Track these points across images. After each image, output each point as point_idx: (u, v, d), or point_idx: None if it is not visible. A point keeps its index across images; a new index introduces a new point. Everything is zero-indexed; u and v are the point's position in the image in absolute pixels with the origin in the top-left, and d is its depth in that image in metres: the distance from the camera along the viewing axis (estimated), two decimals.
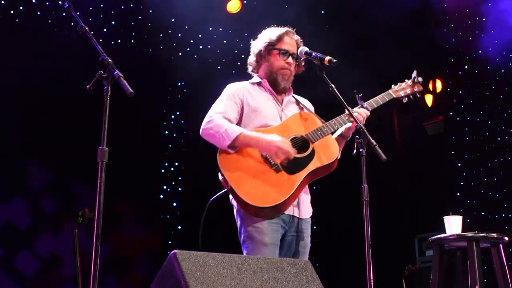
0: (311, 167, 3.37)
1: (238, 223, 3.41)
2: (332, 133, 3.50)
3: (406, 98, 3.80)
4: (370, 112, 3.58)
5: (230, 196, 3.43)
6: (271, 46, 3.59)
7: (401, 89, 3.78)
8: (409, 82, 3.82)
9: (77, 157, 6.52)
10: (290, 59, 3.57)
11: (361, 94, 3.59)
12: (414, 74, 3.83)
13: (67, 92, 6.29)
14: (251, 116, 3.50)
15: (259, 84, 3.62)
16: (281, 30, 3.63)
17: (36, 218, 6.79)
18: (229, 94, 3.54)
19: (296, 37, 3.65)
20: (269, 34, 3.63)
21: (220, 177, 3.40)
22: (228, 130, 3.34)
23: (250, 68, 3.71)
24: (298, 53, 3.55)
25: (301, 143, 3.42)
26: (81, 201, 6.75)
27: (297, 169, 3.35)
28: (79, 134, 6.45)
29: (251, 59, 3.70)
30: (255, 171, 3.32)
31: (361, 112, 3.51)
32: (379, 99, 3.68)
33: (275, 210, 3.30)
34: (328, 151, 3.44)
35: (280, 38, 3.59)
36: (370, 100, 3.64)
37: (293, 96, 3.69)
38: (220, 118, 3.41)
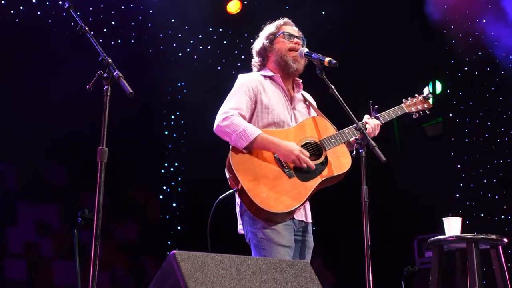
0: (323, 175, 3.34)
1: (248, 224, 3.33)
2: (345, 143, 3.48)
3: (417, 114, 3.86)
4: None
5: (236, 196, 3.39)
6: (272, 36, 3.58)
7: (413, 104, 3.83)
8: (420, 98, 3.87)
9: (76, 157, 6.52)
10: (296, 40, 3.56)
11: (377, 106, 3.60)
12: (426, 90, 3.86)
13: (66, 91, 6.28)
14: (263, 113, 3.44)
15: (271, 78, 3.56)
16: (279, 21, 3.65)
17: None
18: (245, 87, 3.45)
19: (296, 28, 3.65)
20: (268, 28, 3.64)
21: (228, 175, 3.34)
22: (247, 130, 3.27)
23: (255, 70, 3.66)
24: (298, 53, 3.55)
25: (314, 149, 3.40)
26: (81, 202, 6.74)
27: (310, 176, 3.32)
28: (79, 134, 6.45)
29: (255, 59, 3.66)
30: (268, 174, 3.27)
31: (370, 123, 3.52)
32: (391, 112, 3.71)
33: (286, 216, 3.28)
34: (341, 161, 3.41)
35: (279, 27, 3.61)
36: (383, 112, 3.67)
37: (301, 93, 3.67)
38: (236, 116, 3.32)
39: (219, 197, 3.33)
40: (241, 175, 3.24)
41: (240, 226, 3.45)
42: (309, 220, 3.48)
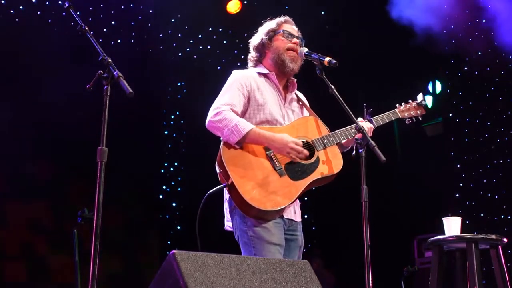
0: (314, 175, 3.34)
1: (238, 221, 3.32)
2: (337, 144, 3.48)
3: (410, 120, 3.87)
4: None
5: (226, 192, 3.37)
6: (272, 33, 3.57)
7: (406, 110, 3.83)
8: (414, 104, 3.87)
9: (76, 157, 6.52)
10: (295, 40, 3.56)
11: (371, 109, 3.61)
12: (420, 97, 3.87)
13: (67, 91, 6.28)
14: (256, 110, 3.43)
15: (265, 75, 3.55)
16: (280, 18, 3.64)
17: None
18: (238, 84, 3.43)
19: (295, 27, 3.65)
20: (268, 24, 3.63)
21: (218, 170, 3.32)
22: (239, 125, 3.24)
23: (251, 64, 3.65)
24: (298, 53, 3.54)
25: (306, 149, 3.38)
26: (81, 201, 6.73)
27: (301, 176, 3.32)
28: (79, 134, 6.44)
29: (252, 54, 3.65)
30: (259, 171, 3.26)
31: (363, 126, 3.52)
32: (385, 117, 3.71)
33: (276, 214, 3.27)
34: (332, 162, 3.41)
35: (280, 24, 3.60)
36: (377, 116, 3.67)
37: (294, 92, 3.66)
38: (229, 111, 3.31)
39: (208, 192, 3.31)
40: (232, 170, 3.23)
41: (227, 223, 3.44)
42: (298, 219, 3.47)
